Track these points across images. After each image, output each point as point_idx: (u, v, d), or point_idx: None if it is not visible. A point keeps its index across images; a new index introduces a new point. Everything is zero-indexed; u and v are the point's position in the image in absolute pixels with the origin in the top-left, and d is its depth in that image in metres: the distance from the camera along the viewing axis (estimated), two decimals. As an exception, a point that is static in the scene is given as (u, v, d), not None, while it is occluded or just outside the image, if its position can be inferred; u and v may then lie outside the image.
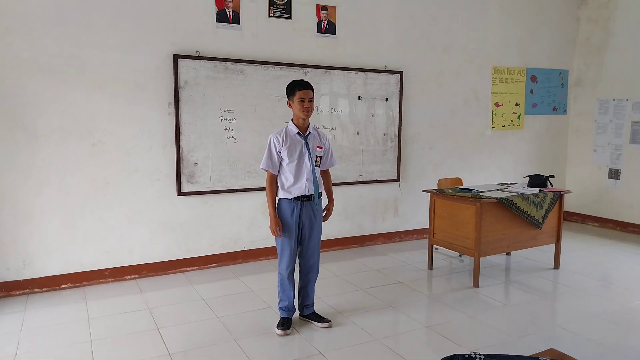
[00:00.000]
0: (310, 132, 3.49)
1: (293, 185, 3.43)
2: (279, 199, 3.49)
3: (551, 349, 2.00)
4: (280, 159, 3.43)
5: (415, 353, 3.22)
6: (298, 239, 3.51)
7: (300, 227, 3.49)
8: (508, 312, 3.93)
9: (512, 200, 4.44)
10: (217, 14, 4.72)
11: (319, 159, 3.52)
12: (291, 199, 3.43)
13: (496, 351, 3.13)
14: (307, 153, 3.44)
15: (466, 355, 1.65)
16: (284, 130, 3.45)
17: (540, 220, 4.68)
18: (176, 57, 4.55)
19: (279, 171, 3.46)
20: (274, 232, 3.43)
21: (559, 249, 4.96)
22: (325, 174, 3.68)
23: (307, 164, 3.44)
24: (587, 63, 7.05)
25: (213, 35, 4.73)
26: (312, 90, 3.42)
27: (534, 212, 4.62)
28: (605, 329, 3.62)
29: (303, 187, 3.43)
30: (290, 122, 3.49)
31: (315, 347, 3.29)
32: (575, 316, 3.82)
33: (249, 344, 3.32)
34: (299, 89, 3.37)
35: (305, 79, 5.02)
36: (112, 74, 4.37)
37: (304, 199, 3.45)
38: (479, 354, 1.64)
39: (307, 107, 3.38)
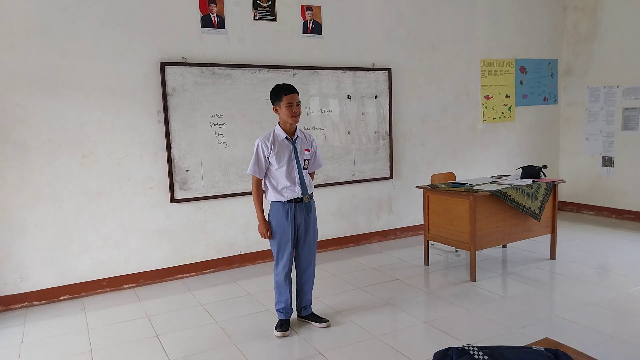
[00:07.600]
0: (298, 136, 3.48)
1: (285, 189, 3.42)
2: (272, 202, 3.48)
3: (545, 338, 2.00)
4: (268, 164, 3.42)
5: (414, 349, 3.23)
6: (294, 242, 3.52)
7: (295, 229, 3.49)
8: (506, 304, 3.94)
9: (505, 193, 4.44)
10: (202, 19, 4.71)
11: (307, 161, 3.51)
12: (284, 202, 3.44)
13: (494, 343, 3.13)
14: (296, 158, 3.44)
15: (460, 348, 1.65)
16: (271, 135, 3.42)
17: (537, 212, 4.67)
18: (163, 65, 4.54)
19: (269, 175, 3.46)
20: (263, 235, 3.44)
21: (554, 239, 4.97)
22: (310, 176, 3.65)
23: (296, 168, 3.43)
24: (575, 52, 7.07)
25: (199, 41, 4.72)
26: (298, 93, 3.40)
27: (529, 204, 4.60)
28: (603, 316, 3.63)
29: (295, 191, 3.43)
30: (278, 126, 3.45)
31: (315, 347, 3.30)
32: (573, 305, 3.83)
33: (248, 347, 3.32)
34: (285, 94, 3.33)
35: (293, 80, 5.04)
36: (100, 83, 4.36)
37: (297, 201, 3.46)
38: (473, 346, 1.64)
39: (296, 111, 3.35)
